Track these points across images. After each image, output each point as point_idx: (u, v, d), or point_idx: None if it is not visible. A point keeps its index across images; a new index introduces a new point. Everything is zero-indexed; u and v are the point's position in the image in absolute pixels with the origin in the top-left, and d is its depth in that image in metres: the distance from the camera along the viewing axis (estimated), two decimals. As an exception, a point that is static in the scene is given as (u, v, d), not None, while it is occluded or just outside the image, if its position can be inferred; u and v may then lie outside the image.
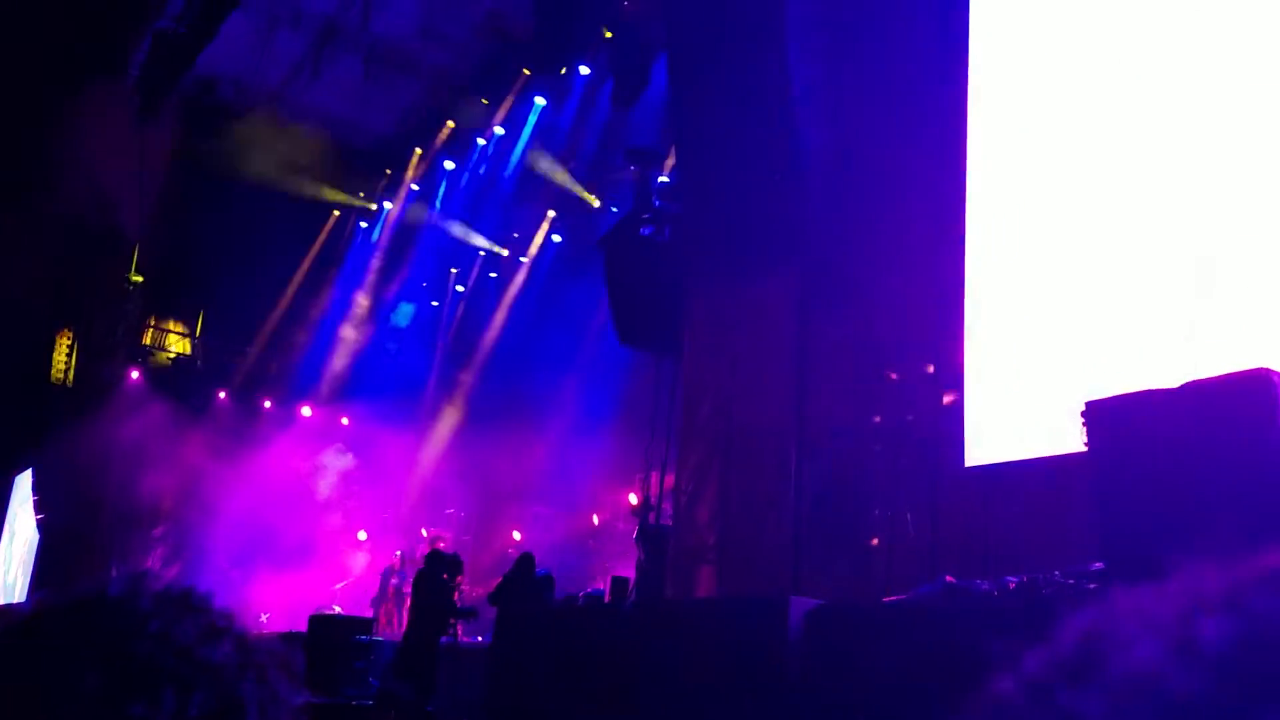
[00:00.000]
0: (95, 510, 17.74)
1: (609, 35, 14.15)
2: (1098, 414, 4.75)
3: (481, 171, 18.80)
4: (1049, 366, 6.79)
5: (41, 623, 0.83)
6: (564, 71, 15.75)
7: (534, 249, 19.41)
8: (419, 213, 19.98)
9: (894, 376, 8.45)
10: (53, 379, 18.54)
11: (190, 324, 19.64)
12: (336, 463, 18.24)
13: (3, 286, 16.10)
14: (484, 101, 17.91)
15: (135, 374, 19.08)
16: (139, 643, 0.80)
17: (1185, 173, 6.28)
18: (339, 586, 17.09)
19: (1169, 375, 4.69)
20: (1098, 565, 4.81)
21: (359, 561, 18.07)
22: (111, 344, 19.14)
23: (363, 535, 18.42)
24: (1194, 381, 4.50)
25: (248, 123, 17.41)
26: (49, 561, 17.85)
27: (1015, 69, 7.71)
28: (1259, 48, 6.05)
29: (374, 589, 17.02)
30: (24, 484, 19.78)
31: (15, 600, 19.06)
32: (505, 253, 19.83)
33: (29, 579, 18.81)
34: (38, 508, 18.89)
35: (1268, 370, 4.31)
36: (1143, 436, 4.60)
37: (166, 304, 19.30)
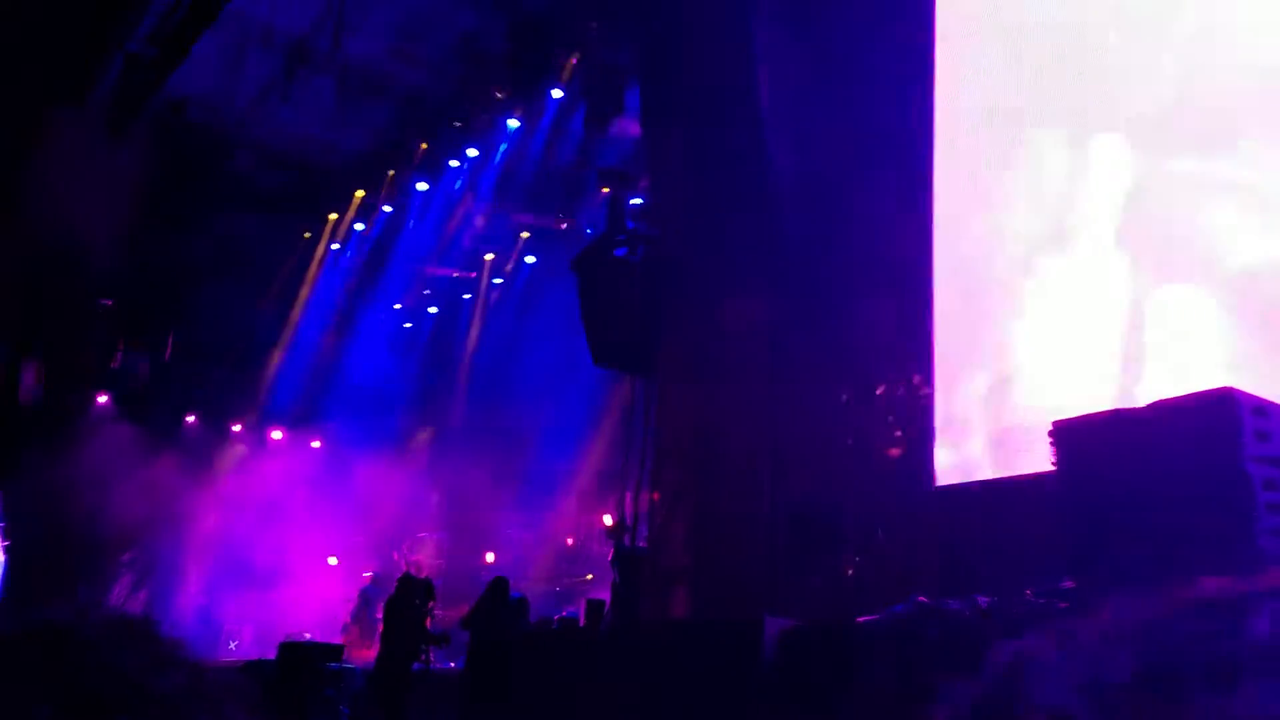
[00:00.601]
0: (63, 535, 17.46)
1: (577, 60, 14.24)
2: (1065, 433, 4.81)
3: (457, 188, 18.80)
4: (1018, 385, 6.86)
5: (3, 649, 0.82)
6: (537, 94, 15.81)
7: (508, 269, 19.42)
8: (391, 235, 19.93)
9: (868, 395, 8.50)
10: (19, 403, 18.27)
11: (159, 347, 19.43)
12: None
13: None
14: (457, 124, 17.92)
15: (103, 398, 18.85)
16: (88, 674, 0.79)
17: (1146, 194, 6.38)
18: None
19: (1135, 394, 4.75)
20: (1068, 583, 4.85)
21: (330, 586, 17.89)
22: (79, 368, 18.90)
23: (333, 560, 18.24)
24: (1159, 400, 4.56)
25: None
26: (15, 587, 17.55)
27: (979, 88, 7.82)
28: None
29: (345, 614, 16.85)
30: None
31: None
32: (482, 275, 19.81)
33: (-6, 606, 18.50)
34: (3, 534, 18.59)
35: (1231, 389, 4.37)
36: (1110, 455, 4.65)
37: (135, 327, 19.09)
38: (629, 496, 11.66)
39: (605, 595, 11.04)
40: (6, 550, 18.27)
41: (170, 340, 19.24)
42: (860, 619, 5.90)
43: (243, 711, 0.87)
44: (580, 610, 12.04)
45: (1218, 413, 4.34)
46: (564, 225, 17.92)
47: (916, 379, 7.99)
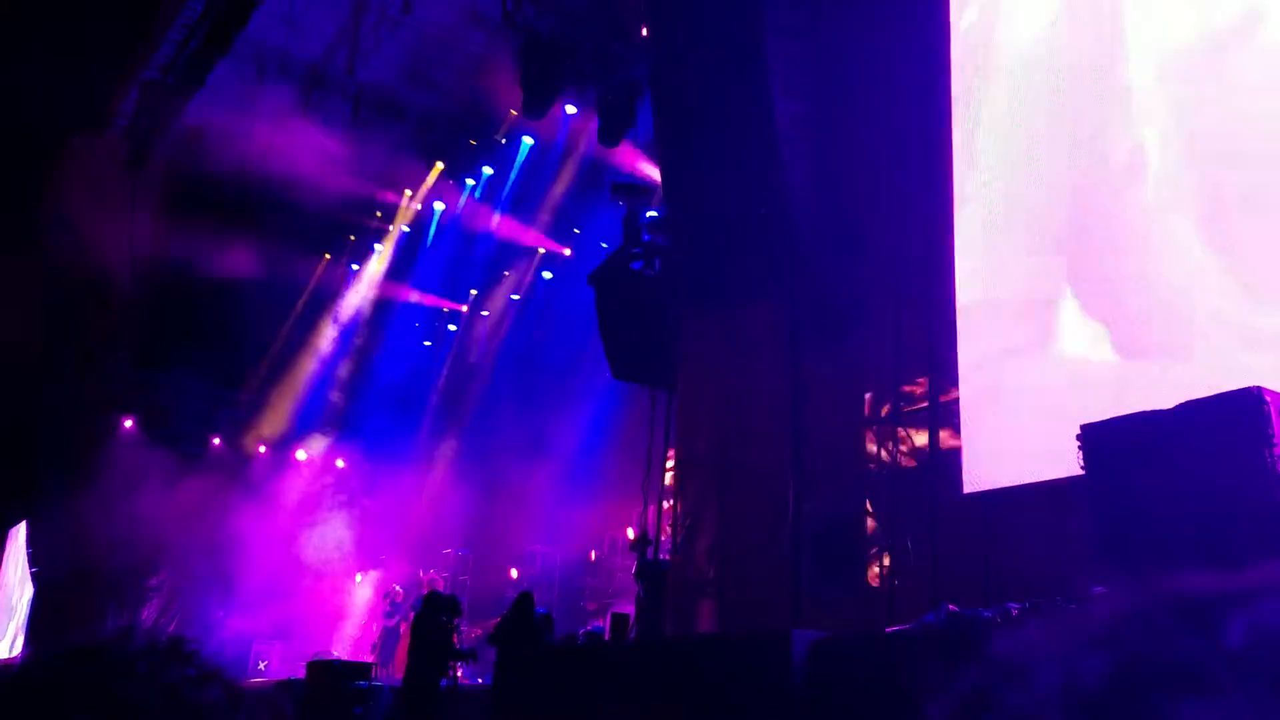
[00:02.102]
0: (90, 561, 17.60)
1: (589, 76, 14.34)
2: (1093, 436, 4.77)
3: (473, 206, 18.92)
4: (1044, 389, 6.82)
5: (35, 670, 0.85)
6: (550, 111, 15.89)
7: (525, 285, 19.49)
8: (409, 253, 20.06)
9: (892, 403, 8.47)
10: (45, 430, 18.45)
11: (182, 370, 19.58)
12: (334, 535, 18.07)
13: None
14: (472, 143, 18.05)
15: (128, 422, 19.01)
16: (127, 685, 0.82)
17: (1171, 197, 6.35)
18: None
19: (1165, 396, 4.71)
20: (1099, 589, 4.81)
21: (358, 604, 17.94)
22: (104, 393, 19.08)
23: (359, 578, 18.30)
24: (1187, 401, 4.53)
25: None
26: (44, 614, 17.70)
27: (996, 95, 7.80)
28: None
29: (372, 632, 16.89)
30: (18, 537, 19.65)
31: (8, 655, 18.87)
32: (500, 290, 19.88)
33: (23, 633, 18.63)
34: (32, 560, 18.75)
35: (1259, 388, 4.34)
36: (1139, 458, 4.62)
37: (158, 351, 19.26)
38: (651, 510, 11.66)
39: (629, 609, 11.03)
40: (35, 577, 18.42)
41: (192, 363, 19.38)
42: (890, 629, 5.87)
43: None
44: (605, 624, 12.04)
45: (1245, 412, 4.31)
46: (567, 251, 18.07)
47: (940, 383, 7.96)
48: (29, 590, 18.76)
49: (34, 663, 0.86)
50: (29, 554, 18.91)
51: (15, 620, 19.35)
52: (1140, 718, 0.59)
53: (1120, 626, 0.64)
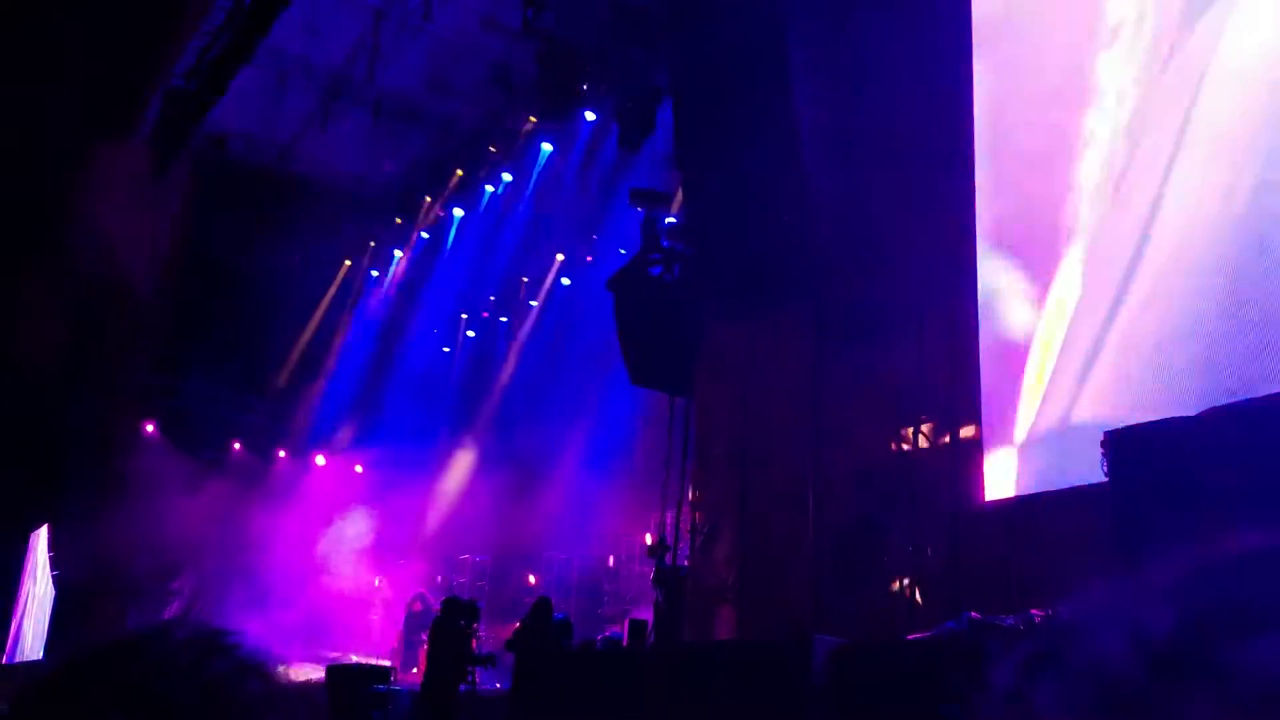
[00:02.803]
0: (111, 565, 17.72)
1: (609, 83, 14.38)
2: (1118, 443, 4.74)
3: (492, 212, 18.99)
4: (1068, 397, 6.78)
5: (76, 666, 0.85)
6: (570, 118, 15.94)
7: (543, 292, 19.52)
8: (428, 260, 20.14)
9: (913, 408, 8.43)
10: (67, 434, 18.60)
11: (204, 375, 19.72)
12: (353, 529, 18.13)
13: (16, 342, 16.22)
14: (491, 149, 18.11)
15: (150, 427, 19.15)
16: (168, 680, 0.82)
17: (1196, 202, 6.30)
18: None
19: (1188, 403, 4.68)
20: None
21: (377, 608, 17.99)
22: (126, 397, 19.22)
23: (378, 582, 18.35)
24: (1212, 408, 4.50)
25: None
26: (65, 618, 17.82)
27: (1021, 101, 7.78)
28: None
29: (391, 636, 16.93)
30: (40, 540, 19.80)
31: (31, 657, 19.01)
32: (518, 297, 19.93)
33: (45, 635, 18.76)
34: (53, 564, 18.89)
35: (1285, 395, 4.30)
36: (1164, 465, 4.59)
37: (180, 356, 19.41)
38: (669, 515, 11.64)
39: (648, 615, 11.01)
40: (56, 581, 18.56)
41: (214, 367, 19.52)
42: (911, 636, 5.84)
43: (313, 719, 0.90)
44: (623, 630, 12.02)
45: (1270, 418, 4.27)
46: (590, 259, 18.08)
47: (962, 390, 7.92)
48: (51, 594, 18.90)
49: (75, 658, 0.87)
50: (51, 558, 19.05)
51: (37, 624, 19.49)
52: (1209, 662, 0.62)
53: (1184, 582, 0.67)
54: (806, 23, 9.46)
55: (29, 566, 20.29)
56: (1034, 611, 4.89)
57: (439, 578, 17.29)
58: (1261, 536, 0.75)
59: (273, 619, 16.53)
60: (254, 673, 0.88)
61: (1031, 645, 0.69)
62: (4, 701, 0.88)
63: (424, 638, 15.32)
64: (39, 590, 19.72)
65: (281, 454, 20.04)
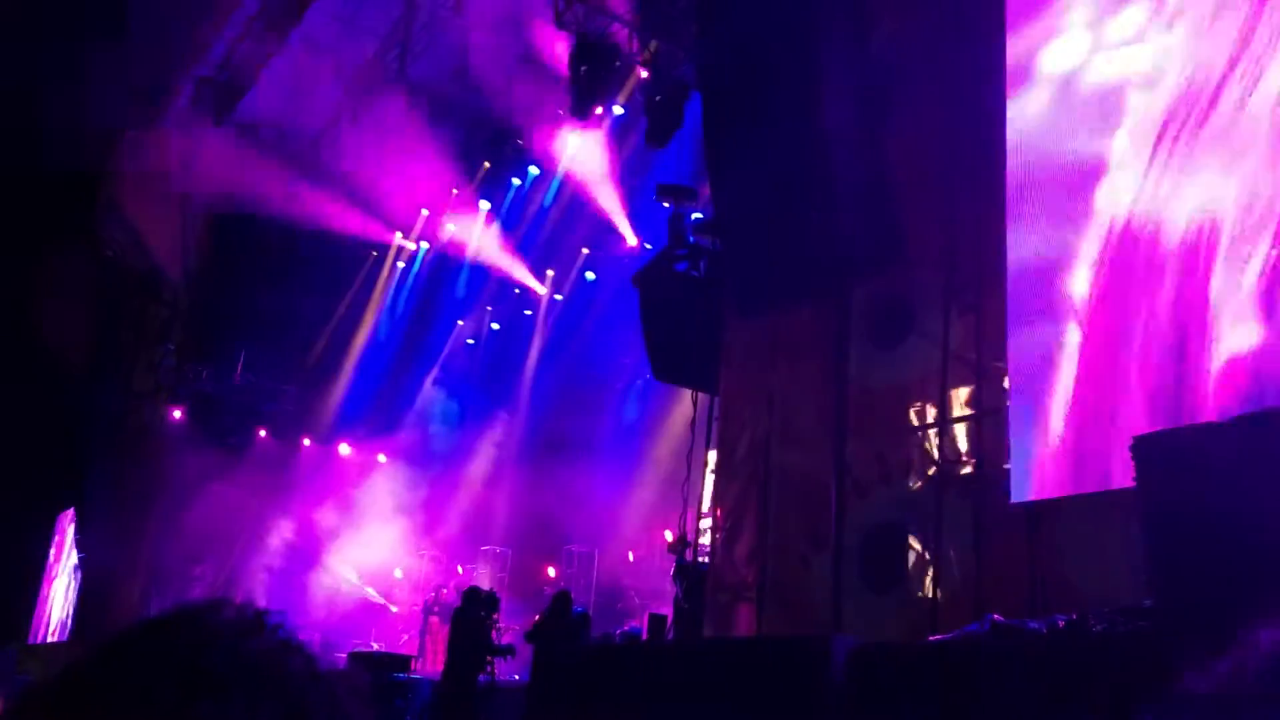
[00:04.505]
0: (135, 549, 17.92)
1: (637, 76, 14.36)
2: (1147, 448, 4.69)
3: (519, 205, 19.03)
4: (1095, 400, 6.71)
5: (122, 641, 0.86)
6: (598, 111, 15.93)
7: (569, 286, 19.54)
8: (454, 252, 20.21)
9: (940, 411, 8.38)
10: (94, 420, 18.82)
11: (230, 363, 19.89)
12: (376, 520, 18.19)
13: (46, 328, 16.42)
14: (519, 142, 18.15)
15: (177, 413, 19.33)
16: (211, 653, 0.83)
17: (1224, 213, 6.22)
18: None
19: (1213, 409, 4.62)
20: (1148, 603, 4.72)
21: (399, 597, 18.09)
22: (152, 384, 19.41)
23: (399, 573, 18.45)
24: (1246, 414, 4.43)
25: None
26: (90, 601, 18.03)
27: (1052, 103, 7.70)
28: None
29: (412, 626, 17.02)
30: (67, 523, 20.05)
31: (56, 638, 19.26)
32: (543, 290, 19.96)
33: (70, 617, 19.00)
34: (79, 546, 19.11)
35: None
36: (1193, 470, 4.52)
37: (207, 343, 19.58)
38: (690, 512, 11.62)
39: (667, 611, 11.01)
40: (82, 564, 18.79)
41: (240, 356, 19.68)
42: (932, 638, 5.81)
43: (355, 698, 0.91)
44: (643, 625, 12.03)
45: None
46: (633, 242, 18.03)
47: (988, 392, 7.86)
48: (76, 576, 19.13)
49: (126, 631, 0.88)
50: (77, 541, 19.28)
51: (63, 606, 19.74)
52: None
53: None
54: (837, 20, 9.41)
55: (55, 549, 20.54)
56: (1057, 617, 4.84)
57: (460, 568, 17.34)
58: None
59: (293, 605, 16.66)
60: (296, 651, 0.89)
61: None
62: (32, 678, 0.89)
63: (436, 624, 15.43)
64: (65, 572, 19.97)
65: (306, 442, 20.17)
